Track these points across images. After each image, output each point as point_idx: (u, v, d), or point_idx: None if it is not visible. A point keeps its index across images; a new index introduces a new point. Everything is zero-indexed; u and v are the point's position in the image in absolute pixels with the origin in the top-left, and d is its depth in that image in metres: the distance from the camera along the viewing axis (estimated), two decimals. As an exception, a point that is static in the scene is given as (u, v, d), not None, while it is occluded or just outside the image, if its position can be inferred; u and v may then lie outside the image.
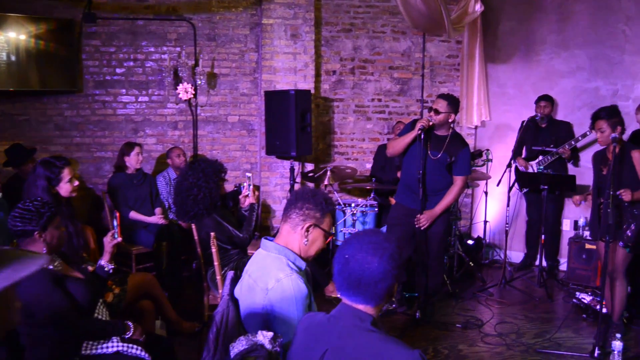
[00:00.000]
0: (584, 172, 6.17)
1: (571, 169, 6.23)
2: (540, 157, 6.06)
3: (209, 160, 4.21)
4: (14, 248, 2.73)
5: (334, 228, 2.40)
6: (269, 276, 2.22)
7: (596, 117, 4.18)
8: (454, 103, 4.53)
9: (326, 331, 1.83)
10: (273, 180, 6.49)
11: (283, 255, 2.31)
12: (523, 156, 6.22)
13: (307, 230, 2.32)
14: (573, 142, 5.86)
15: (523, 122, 5.91)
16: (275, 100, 6.02)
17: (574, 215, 6.31)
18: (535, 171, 5.92)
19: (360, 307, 1.83)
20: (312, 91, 6.42)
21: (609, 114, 4.14)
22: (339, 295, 1.88)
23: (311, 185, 6.36)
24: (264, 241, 2.40)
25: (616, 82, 6.04)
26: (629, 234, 4.14)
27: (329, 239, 2.41)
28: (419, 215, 4.50)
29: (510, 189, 5.76)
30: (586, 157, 6.16)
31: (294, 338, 1.95)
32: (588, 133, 5.71)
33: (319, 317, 1.91)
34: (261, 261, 2.35)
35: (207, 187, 4.02)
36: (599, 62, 6.15)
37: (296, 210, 2.33)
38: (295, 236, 2.33)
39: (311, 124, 6.12)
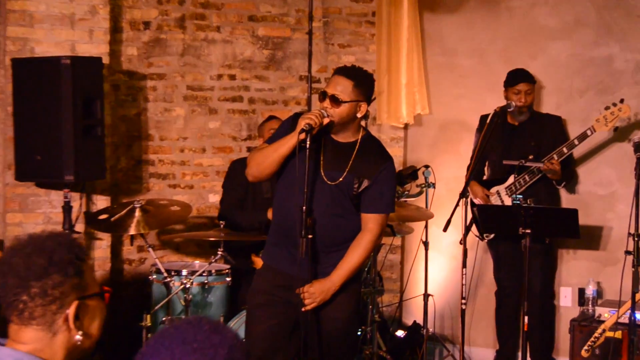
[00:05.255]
0: (589, 203, 6.46)
1: (566, 198, 6.55)
2: (512, 179, 6.27)
3: None
4: None
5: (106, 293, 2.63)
6: None
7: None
8: (365, 83, 4.59)
9: None
10: (30, 228, 6.32)
11: None
12: (485, 178, 6.43)
13: (76, 317, 2.33)
14: (566, 150, 6.11)
15: (483, 117, 6.09)
16: (33, 77, 5.95)
17: (578, 279, 6.54)
18: (504, 203, 6.19)
19: None
20: (106, 60, 6.37)
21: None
22: None
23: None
24: None
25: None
26: None
27: (107, 295, 2.51)
28: (302, 288, 4.52)
29: (465, 234, 5.75)
30: (588, 175, 6.54)
31: None
32: (589, 133, 6.03)
33: None
34: None
35: None
36: (611, 15, 6.44)
37: (34, 302, 2.29)
38: (56, 338, 2.33)
39: (104, 121, 6.10)
